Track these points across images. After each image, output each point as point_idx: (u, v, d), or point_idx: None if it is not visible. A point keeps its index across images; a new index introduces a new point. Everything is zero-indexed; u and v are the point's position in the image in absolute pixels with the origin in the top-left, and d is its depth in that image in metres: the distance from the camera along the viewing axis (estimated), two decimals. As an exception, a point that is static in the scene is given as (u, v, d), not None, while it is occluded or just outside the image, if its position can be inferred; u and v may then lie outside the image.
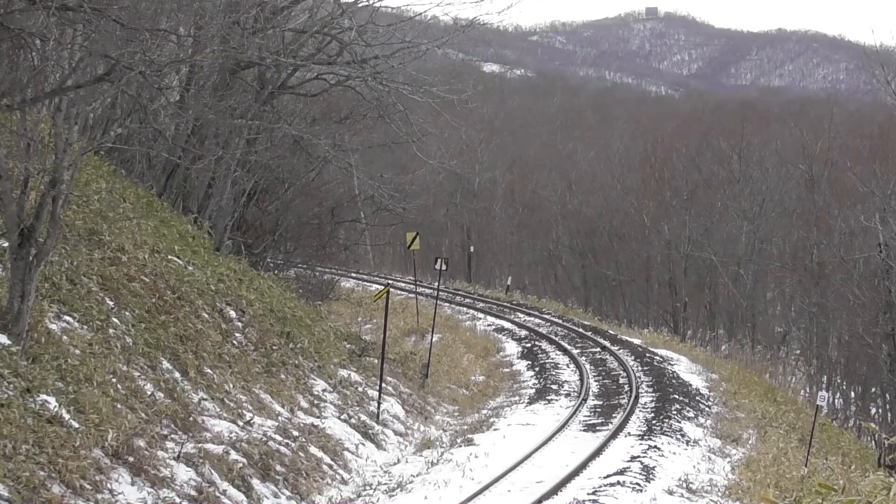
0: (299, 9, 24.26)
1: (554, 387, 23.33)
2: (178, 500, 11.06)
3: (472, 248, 57.92)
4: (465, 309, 38.29)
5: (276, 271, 26.75)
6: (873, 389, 39.51)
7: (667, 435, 17.91)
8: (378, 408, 18.20)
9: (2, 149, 11.81)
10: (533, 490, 14.10)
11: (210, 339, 15.62)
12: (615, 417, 19.44)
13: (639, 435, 17.78)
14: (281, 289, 22.63)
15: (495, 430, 18.69)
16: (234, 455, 12.74)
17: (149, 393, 12.70)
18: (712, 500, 14.29)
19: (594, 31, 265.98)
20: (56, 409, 10.56)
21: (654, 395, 21.87)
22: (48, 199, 11.72)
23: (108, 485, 10.39)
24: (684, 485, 14.76)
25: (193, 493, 11.42)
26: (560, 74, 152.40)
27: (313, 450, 14.71)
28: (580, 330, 32.91)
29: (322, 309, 27.65)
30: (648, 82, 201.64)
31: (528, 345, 30.00)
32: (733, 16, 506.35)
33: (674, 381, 24.02)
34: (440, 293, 29.66)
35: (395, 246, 57.80)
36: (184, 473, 11.63)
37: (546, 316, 36.79)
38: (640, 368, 25.35)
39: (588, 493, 13.72)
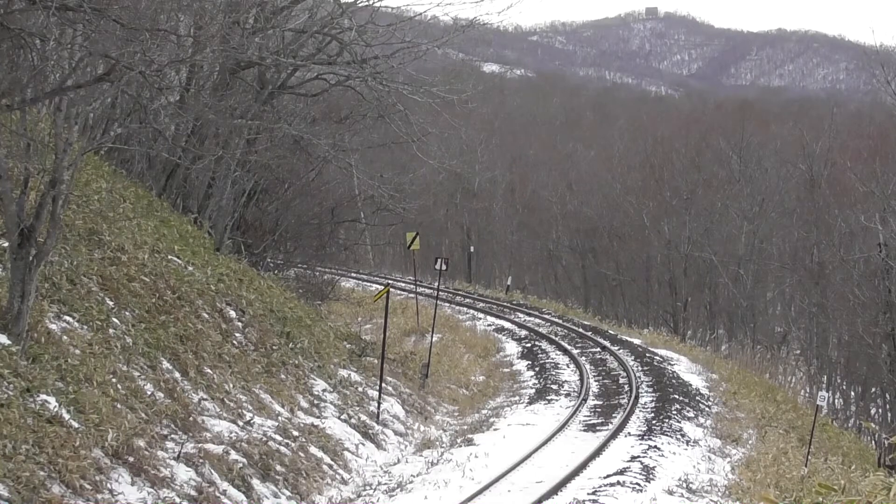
0: (299, 9, 24.25)
1: (554, 387, 23.33)
2: (178, 500, 11.06)
3: (472, 248, 57.90)
4: (465, 309, 38.28)
5: (276, 271, 26.74)
6: (873, 389, 39.48)
7: (667, 435, 17.90)
8: (378, 408, 18.20)
9: (2, 149, 11.81)
10: (533, 490, 14.09)
11: (210, 339, 15.62)
12: (615, 417, 19.44)
13: (639, 435, 17.78)
14: (281, 289, 22.63)
15: (495, 430, 18.68)
16: (234, 455, 12.73)
17: (149, 393, 12.70)
18: (712, 500, 14.29)
19: (594, 31, 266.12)
20: (56, 409, 10.56)
21: (654, 395, 21.87)
22: (48, 199, 11.71)
23: (108, 485, 10.39)
24: (684, 485, 14.75)
25: (193, 493, 11.41)
26: (560, 74, 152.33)
27: (313, 450, 14.71)
28: (580, 330, 32.90)
29: (322, 309, 27.66)
30: (648, 82, 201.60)
31: (528, 345, 30.00)
32: (733, 16, 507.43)
33: (674, 381, 24.01)
34: (440, 293, 29.66)
35: (395, 246, 57.77)
36: (184, 473, 11.63)
37: (546, 316, 36.78)
38: (640, 368, 25.35)
39: (588, 493, 13.72)
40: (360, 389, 19.12)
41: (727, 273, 48.38)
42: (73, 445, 10.21)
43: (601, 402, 21.26)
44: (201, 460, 12.08)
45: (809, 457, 17.22)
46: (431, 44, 23.97)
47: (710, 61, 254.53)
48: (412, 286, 37.19)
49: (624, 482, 14.31)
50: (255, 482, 12.64)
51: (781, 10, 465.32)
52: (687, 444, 17.60)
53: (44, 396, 10.66)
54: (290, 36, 23.90)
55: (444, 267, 29.07)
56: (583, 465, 15.43)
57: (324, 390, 17.88)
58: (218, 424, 13.46)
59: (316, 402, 17.18)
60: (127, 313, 14.02)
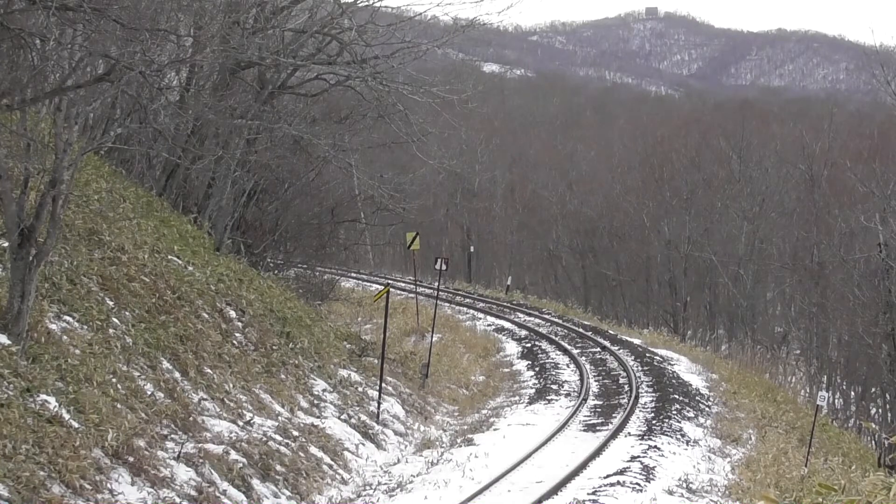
0: (299, 9, 24.27)
1: (554, 387, 23.33)
2: (178, 500, 11.06)
3: (472, 248, 57.91)
4: (465, 309, 38.28)
5: (276, 271, 26.74)
6: (873, 389, 39.46)
7: (667, 435, 17.91)
8: (378, 408, 18.20)
9: (2, 149, 11.81)
10: (533, 490, 14.09)
11: (210, 339, 15.63)
12: (615, 417, 19.44)
13: (639, 435, 17.78)
14: (281, 289, 22.63)
15: (495, 430, 18.68)
16: (234, 455, 12.74)
17: (149, 393, 12.70)
18: (712, 500, 14.29)
19: (594, 31, 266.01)
20: (56, 409, 10.56)
21: (654, 395, 21.87)
22: (48, 199, 11.72)
23: (108, 485, 10.39)
24: (684, 485, 14.76)
25: (193, 493, 11.42)
26: (560, 74, 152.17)
27: (313, 450, 14.72)
28: (580, 330, 32.90)
29: (322, 309, 27.65)
30: (648, 82, 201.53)
31: (528, 345, 29.99)
32: (733, 16, 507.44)
33: (674, 381, 24.02)
34: (440, 293, 29.66)
35: (395, 246, 57.76)
36: (184, 473, 11.63)
37: (546, 316, 36.78)
38: (640, 368, 25.35)
39: (588, 493, 13.72)
40: (360, 389, 19.12)
41: (727, 273, 48.39)
42: (73, 445, 10.22)
43: (601, 402, 21.26)
44: (201, 460, 12.08)
45: (809, 457, 17.22)
46: (431, 44, 23.98)
47: (710, 61, 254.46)
48: (412, 286, 37.19)
49: (624, 482, 14.31)
50: (255, 482, 12.65)
51: (781, 10, 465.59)
52: (687, 444, 17.60)
53: (44, 396, 10.67)
54: (290, 36, 23.90)
55: (444, 267, 29.06)
56: (583, 465, 15.43)
57: (324, 390, 17.88)
58: (218, 424, 13.46)
59: (316, 402, 17.18)
60: (127, 313, 14.02)
